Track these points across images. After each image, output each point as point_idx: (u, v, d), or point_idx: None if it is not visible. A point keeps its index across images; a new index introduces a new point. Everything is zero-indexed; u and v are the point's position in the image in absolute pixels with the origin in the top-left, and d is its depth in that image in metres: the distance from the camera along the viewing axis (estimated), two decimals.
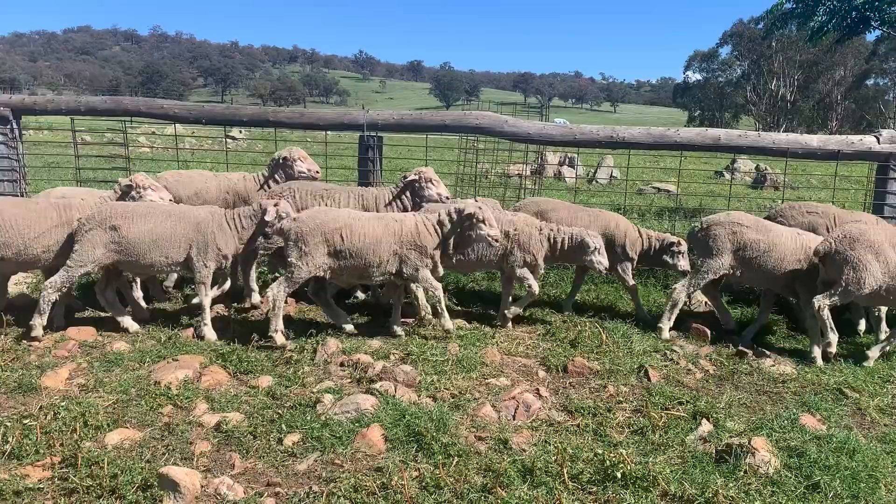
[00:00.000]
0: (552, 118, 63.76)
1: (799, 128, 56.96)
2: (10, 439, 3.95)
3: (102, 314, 6.40)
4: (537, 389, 5.06)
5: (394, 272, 5.92)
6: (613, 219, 7.14)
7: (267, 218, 5.88)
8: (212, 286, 6.27)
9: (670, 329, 6.41)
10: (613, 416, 4.65)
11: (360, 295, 7.37)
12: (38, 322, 5.71)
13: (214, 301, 6.50)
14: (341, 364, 5.34)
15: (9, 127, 8.77)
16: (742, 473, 3.84)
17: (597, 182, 18.35)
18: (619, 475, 3.72)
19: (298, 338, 5.82)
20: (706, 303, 7.35)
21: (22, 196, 8.34)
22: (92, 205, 6.08)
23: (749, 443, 4.02)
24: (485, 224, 5.85)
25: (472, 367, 5.36)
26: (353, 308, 6.96)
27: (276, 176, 7.49)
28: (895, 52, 52.67)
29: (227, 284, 6.97)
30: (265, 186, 7.46)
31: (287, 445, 4.10)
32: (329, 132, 9.79)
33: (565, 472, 3.76)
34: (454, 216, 5.91)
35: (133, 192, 6.44)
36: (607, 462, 3.80)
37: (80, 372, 5.16)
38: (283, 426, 4.29)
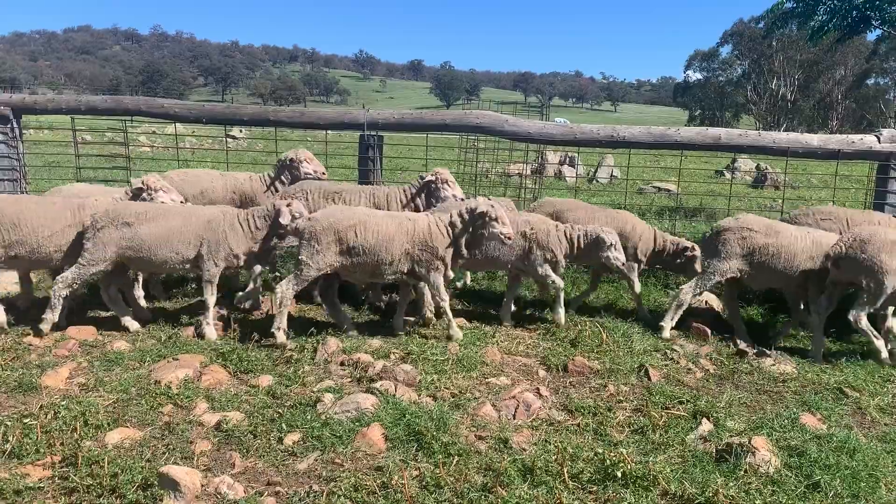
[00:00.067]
0: (552, 117, 63.75)
1: (799, 127, 56.85)
2: (10, 438, 3.95)
3: (103, 313, 6.41)
4: (538, 389, 5.06)
5: (406, 272, 5.93)
6: (630, 220, 7.15)
7: (282, 220, 5.89)
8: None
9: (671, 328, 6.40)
10: (614, 416, 4.65)
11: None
12: (50, 317, 5.77)
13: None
14: (341, 363, 5.34)
15: (9, 126, 8.79)
16: (742, 473, 3.84)
17: (597, 181, 18.35)
18: (619, 474, 3.72)
19: (299, 337, 5.83)
20: (706, 302, 7.35)
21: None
22: (105, 204, 6.11)
23: (749, 442, 4.02)
24: (497, 222, 5.84)
25: (473, 366, 5.36)
26: (355, 306, 6.96)
27: (282, 177, 7.52)
28: None
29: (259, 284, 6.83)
30: (272, 187, 7.47)
31: (287, 445, 4.10)
32: (329, 131, 9.80)
33: (565, 471, 3.76)
34: (466, 216, 5.89)
35: (144, 194, 6.45)
36: (607, 461, 3.80)
37: (81, 371, 5.16)
38: (284, 425, 4.29)
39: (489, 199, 6.11)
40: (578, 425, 4.53)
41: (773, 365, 5.73)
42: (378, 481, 3.68)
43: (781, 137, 8.37)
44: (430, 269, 5.87)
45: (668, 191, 16.03)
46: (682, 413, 4.70)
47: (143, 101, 9.18)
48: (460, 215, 5.91)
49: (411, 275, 5.96)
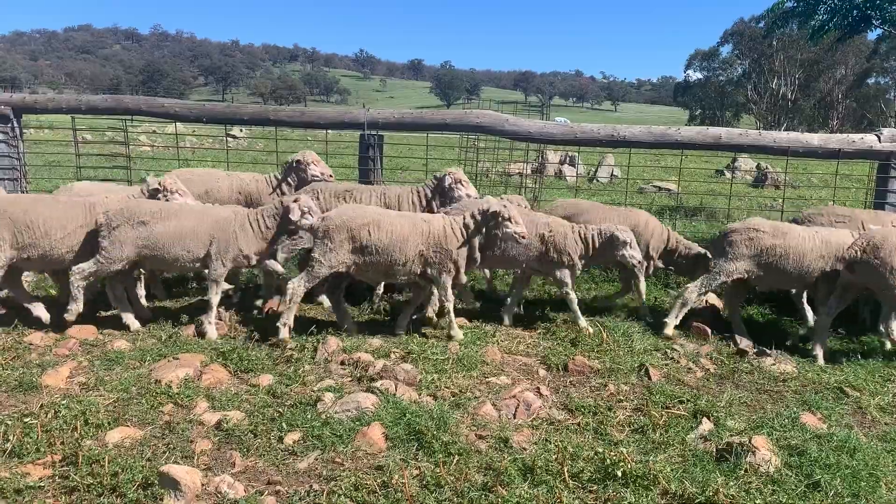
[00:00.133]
0: (553, 117, 63.76)
1: (800, 126, 56.83)
2: (10, 438, 3.95)
3: (103, 312, 6.41)
4: (538, 388, 5.06)
5: (418, 273, 5.92)
6: (643, 218, 7.12)
7: (292, 217, 5.89)
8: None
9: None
10: (614, 415, 4.65)
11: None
12: (75, 308, 5.81)
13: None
14: (342, 362, 5.35)
15: (9, 125, 8.79)
16: (742, 472, 3.84)
17: (597, 181, 18.33)
18: (619, 474, 3.72)
19: (299, 336, 5.83)
20: (706, 300, 7.34)
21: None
22: (117, 202, 6.11)
23: (749, 441, 4.02)
24: (510, 222, 5.81)
25: (473, 365, 5.37)
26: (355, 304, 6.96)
27: (289, 178, 7.50)
28: None
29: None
30: (278, 189, 7.46)
31: (287, 444, 4.10)
32: (330, 131, 9.80)
33: (566, 470, 3.76)
34: (478, 217, 5.87)
35: (160, 196, 6.44)
36: (608, 461, 3.80)
37: (81, 370, 5.17)
38: (284, 425, 4.30)
39: (502, 199, 6.07)
40: (579, 424, 4.53)
41: (774, 364, 5.73)
42: (378, 480, 3.69)
43: (782, 137, 8.37)
44: (441, 270, 5.86)
45: (669, 190, 16.01)
46: (683, 412, 4.70)
47: (144, 100, 9.18)
48: (473, 216, 5.88)
49: (423, 276, 5.96)
